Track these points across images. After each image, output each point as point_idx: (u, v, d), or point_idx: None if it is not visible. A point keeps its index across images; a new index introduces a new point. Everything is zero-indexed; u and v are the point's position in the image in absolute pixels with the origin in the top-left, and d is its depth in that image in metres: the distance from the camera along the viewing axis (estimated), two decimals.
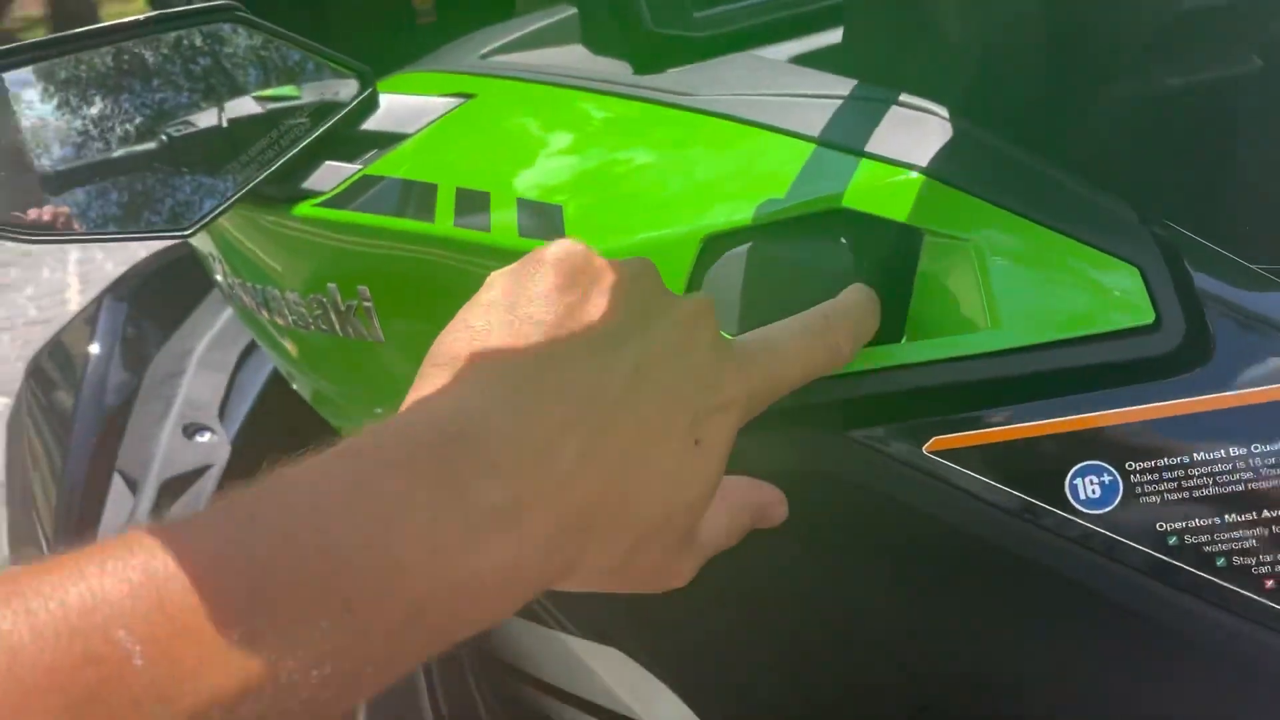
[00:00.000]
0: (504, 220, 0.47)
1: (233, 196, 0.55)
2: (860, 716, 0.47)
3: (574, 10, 0.60)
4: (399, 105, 0.57)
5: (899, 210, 0.39)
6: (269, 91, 0.59)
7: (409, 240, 0.51)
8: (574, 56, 0.58)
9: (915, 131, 0.42)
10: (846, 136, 0.42)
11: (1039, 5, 0.40)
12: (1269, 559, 0.34)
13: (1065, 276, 0.38)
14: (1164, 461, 0.35)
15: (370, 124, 0.56)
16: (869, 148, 0.42)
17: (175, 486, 0.90)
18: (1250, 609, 0.35)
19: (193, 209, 0.57)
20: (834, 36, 0.54)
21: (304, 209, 0.55)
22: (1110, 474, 0.35)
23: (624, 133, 0.51)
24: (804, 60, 0.53)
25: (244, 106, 0.59)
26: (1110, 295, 0.37)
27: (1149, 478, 0.35)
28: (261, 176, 0.54)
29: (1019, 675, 0.41)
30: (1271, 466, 0.34)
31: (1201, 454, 0.35)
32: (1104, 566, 0.36)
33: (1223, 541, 0.35)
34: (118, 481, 0.85)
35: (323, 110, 0.56)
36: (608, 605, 0.60)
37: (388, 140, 0.55)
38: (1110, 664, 0.38)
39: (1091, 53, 0.40)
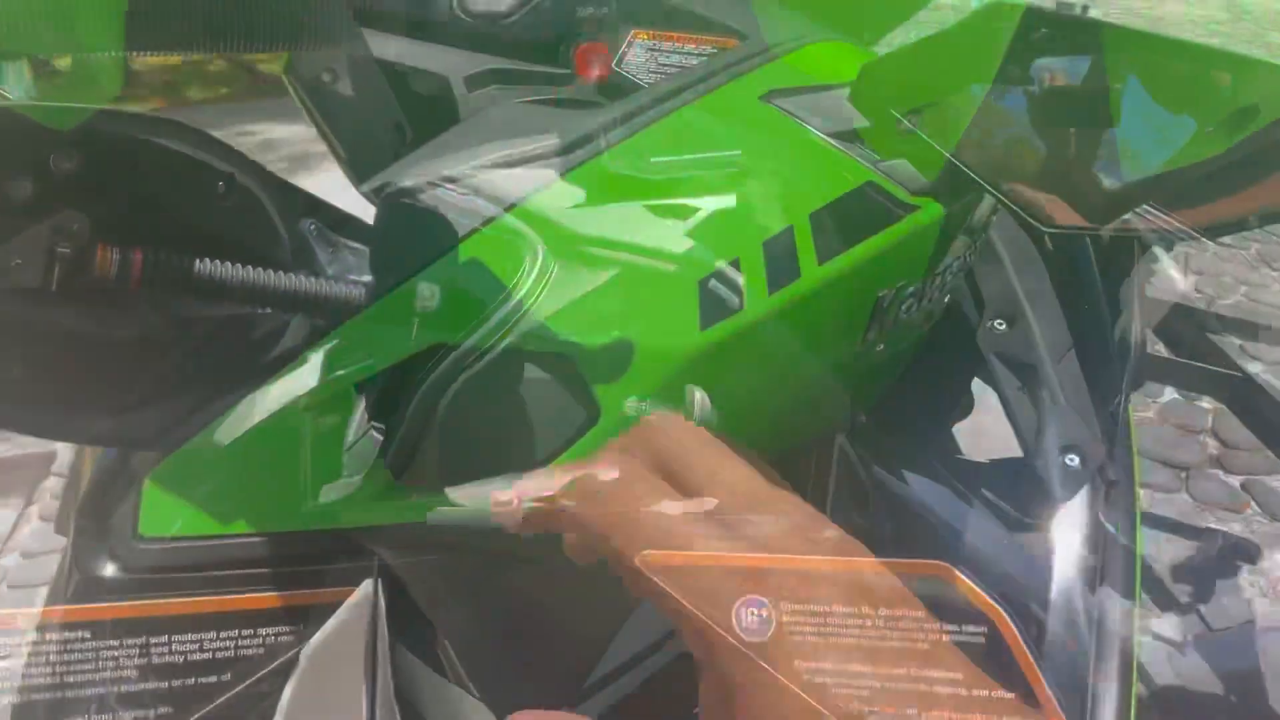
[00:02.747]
0: None
1: None
2: None
3: None
4: None
5: None
6: None
7: None
8: None
9: None
10: None
11: None
12: (878, 707, 0.40)
13: None
14: (810, 606, 0.41)
15: None
16: None
17: None
18: None
19: None
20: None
21: None
22: (768, 608, 0.41)
23: None
24: None
25: None
26: None
27: (797, 617, 0.41)
28: None
29: None
30: (892, 629, 0.40)
31: (840, 606, 0.41)
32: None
33: (848, 686, 0.40)
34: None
35: None
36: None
37: None
38: None
39: None
